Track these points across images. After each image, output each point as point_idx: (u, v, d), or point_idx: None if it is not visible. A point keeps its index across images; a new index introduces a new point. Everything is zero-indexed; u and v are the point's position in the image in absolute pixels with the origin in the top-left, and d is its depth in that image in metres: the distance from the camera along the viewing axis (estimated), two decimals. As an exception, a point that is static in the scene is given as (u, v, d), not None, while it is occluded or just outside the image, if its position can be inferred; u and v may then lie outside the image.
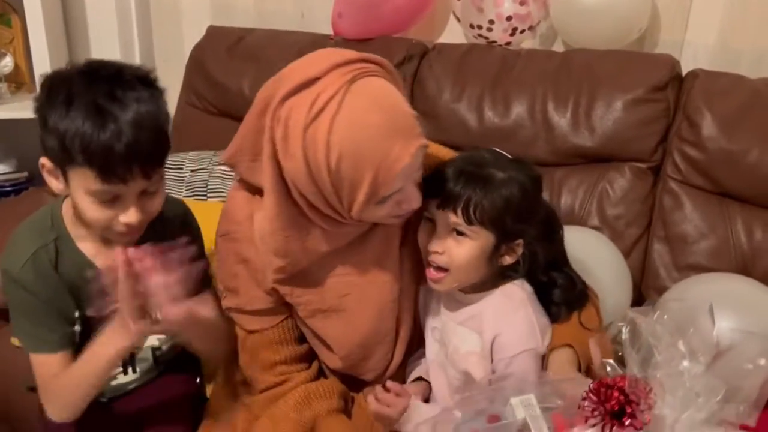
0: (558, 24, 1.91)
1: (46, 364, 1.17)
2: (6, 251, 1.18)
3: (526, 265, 1.14)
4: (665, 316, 0.86)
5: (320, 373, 1.26)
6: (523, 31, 1.89)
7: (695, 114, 1.65)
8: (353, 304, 1.17)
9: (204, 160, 1.96)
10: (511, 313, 1.14)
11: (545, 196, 1.73)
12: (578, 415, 0.82)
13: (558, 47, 1.99)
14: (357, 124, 0.98)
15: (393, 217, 1.10)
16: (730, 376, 0.76)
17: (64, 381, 1.16)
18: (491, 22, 1.87)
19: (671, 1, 1.88)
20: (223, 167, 1.91)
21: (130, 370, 1.31)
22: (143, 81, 1.09)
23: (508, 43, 1.92)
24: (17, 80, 2.20)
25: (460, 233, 1.10)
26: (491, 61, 1.85)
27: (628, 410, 0.76)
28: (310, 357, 1.25)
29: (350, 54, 1.03)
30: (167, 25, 2.28)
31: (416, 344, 1.27)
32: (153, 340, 1.31)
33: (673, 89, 1.71)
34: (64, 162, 1.07)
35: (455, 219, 1.10)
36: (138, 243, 1.10)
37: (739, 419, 0.74)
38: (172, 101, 2.17)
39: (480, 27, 1.90)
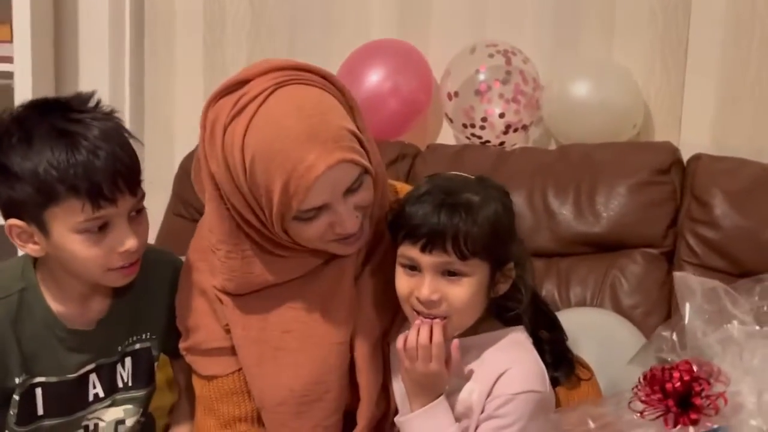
0: (551, 123, 1.89)
1: None
2: None
3: (527, 292, 1.02)
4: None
5: None
6: (516, 130, 1.86)
7: (704, 193, 1.58)
8: (295, 343, 1.02)
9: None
10: (520, 351, 1.00)
11: (552, 287, 1.63)
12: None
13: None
14: (272, 126, 0.93)
15: (333, 243, 1.00)
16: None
17: None
18: (484, 119, 1.85)
19: (662, 101, 1.88)
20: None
21: None
22: (90, 104, 1.03)
23: (502, 143, 1.89)
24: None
25: (452, 273, 0.98)
26: (485, 157, 1.80)
27: (696, 389, 0.58)
28: None
29: (293, 62, 0.99)
30: (159, 144, 2.26)
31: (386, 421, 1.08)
32: (119, 412, 1.13)
33: (677, 173, 1.66)
34: (41, 207, 0.97)
35: (446, 258, 0.97)
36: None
37: None
38: (158, 217, 2.11)
39: (473, 126, 1.87)
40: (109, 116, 1.02)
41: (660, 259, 1.60)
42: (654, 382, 0.63)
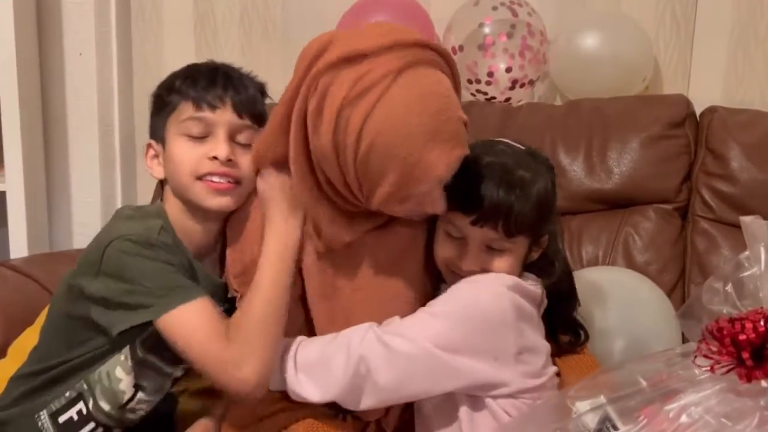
0: (558, 78, 1.83)
1: (206, 309, 0.98)
2: (123, 225, 1.06)
3: (560, 264, 1.04)
4: None
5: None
6: (522, 85, 1.80)
7: (721, 146, 1.53)
8: (366, 301, 1.01)
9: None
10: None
11: (563, 246, 1.59)
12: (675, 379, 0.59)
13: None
14: (396, 121, 0.89)
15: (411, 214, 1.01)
16: None
17: (244, 320, 0.97)
18: (490, 75, 1.79)
19: (672, 54, 1.82)
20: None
21: None
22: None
23: (508, 99, 1.83)
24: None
25: (497, 249, 0.99)
26: (492, 114, 1.74)
27: (773, 342, 0.54)
28: None
29: (411, 35, 0.93)
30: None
31: None
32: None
33: (691, 126, 1.61)
34: (166, 113, 1.07)
35: (494, 235, 0.98)
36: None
37: None
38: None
39: (478, 81, 1.81)
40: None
41: (673, 214, 1.56)
42: (722, 334, 0.58)
